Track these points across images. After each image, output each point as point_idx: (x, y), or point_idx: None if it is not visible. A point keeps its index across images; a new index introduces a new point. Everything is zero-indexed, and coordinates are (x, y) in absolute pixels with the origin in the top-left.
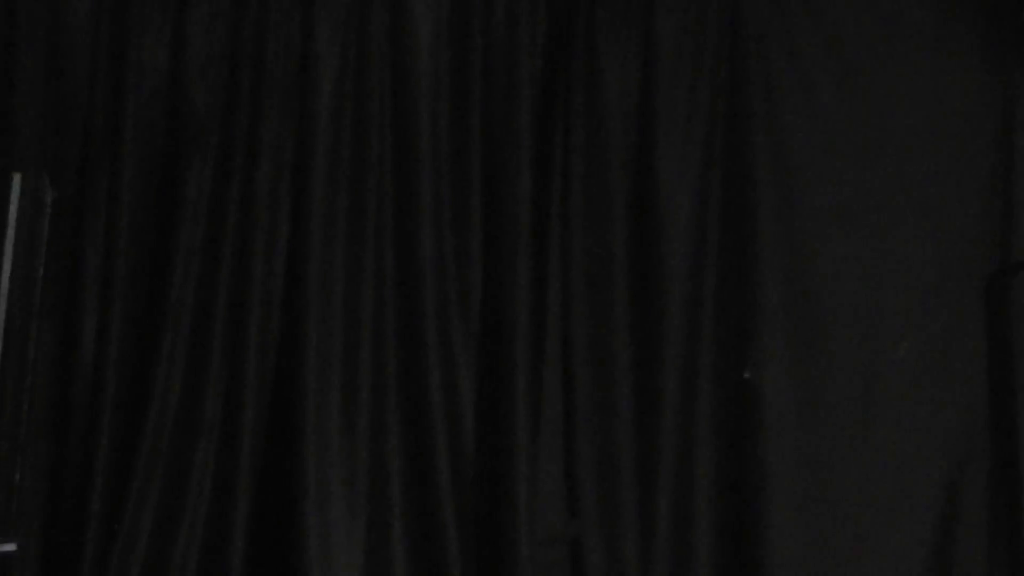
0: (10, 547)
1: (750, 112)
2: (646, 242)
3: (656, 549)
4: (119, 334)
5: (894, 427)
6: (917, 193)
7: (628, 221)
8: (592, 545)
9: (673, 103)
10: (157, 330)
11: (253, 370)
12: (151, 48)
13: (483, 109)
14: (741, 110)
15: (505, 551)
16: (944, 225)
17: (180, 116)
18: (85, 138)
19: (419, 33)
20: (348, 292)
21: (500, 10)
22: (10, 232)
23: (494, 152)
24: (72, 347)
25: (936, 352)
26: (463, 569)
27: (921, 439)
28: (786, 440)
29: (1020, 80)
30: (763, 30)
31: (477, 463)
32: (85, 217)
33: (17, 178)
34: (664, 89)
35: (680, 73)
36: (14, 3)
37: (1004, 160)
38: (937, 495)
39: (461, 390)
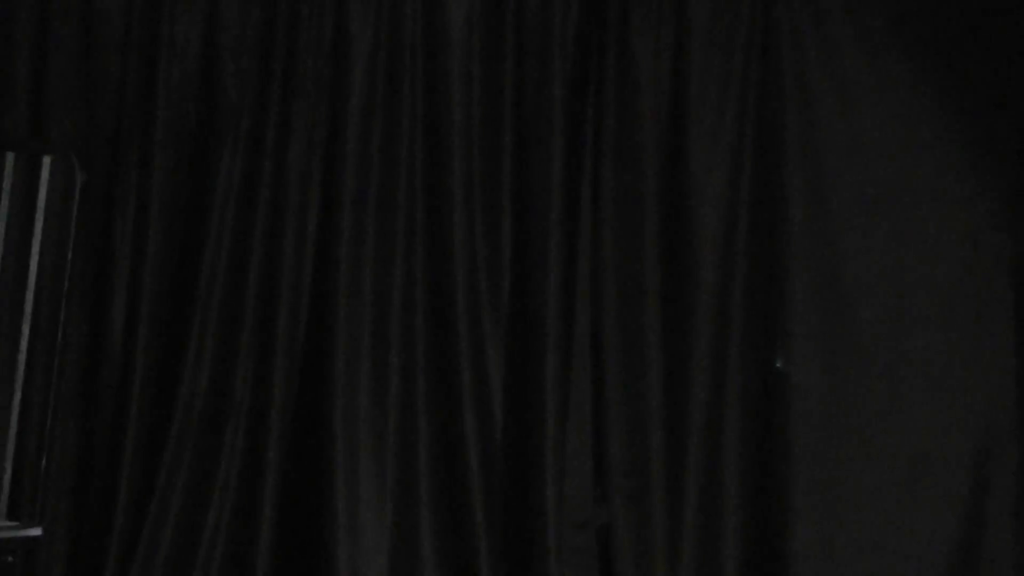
0: (36, 531)
1: (782, 104)
2: (676, 232)
3: (684, 535)
4: (148, 317)
5: (922, 416)
6: (945, 184)
7: (659, 211)
8: (620, 530)
9: (705, 95)
10: (186, 313)
11: (282, 353)
12: (184, 30)
13: (515, 97)
14: (773, 102)
15: (533, 536)
16: (972, 215)
17: (212, 98)
18: (116, 120)
19: (452, 18)
20: (378, 277)
21: None
22: (39, 215)
23: (525, 140)
24: (101, 330)
25: (964, 341)
26: (490, 553)
27: (949, 428)
28: (814, 429)
29: None
30: (796, 22)
31: (506, 449)
32: (115, 200)
33: (47, 161)
34: (696, 81)
35: (712, 64)
36: None
37: None
38: (965, 485)
39: (490, 377)
